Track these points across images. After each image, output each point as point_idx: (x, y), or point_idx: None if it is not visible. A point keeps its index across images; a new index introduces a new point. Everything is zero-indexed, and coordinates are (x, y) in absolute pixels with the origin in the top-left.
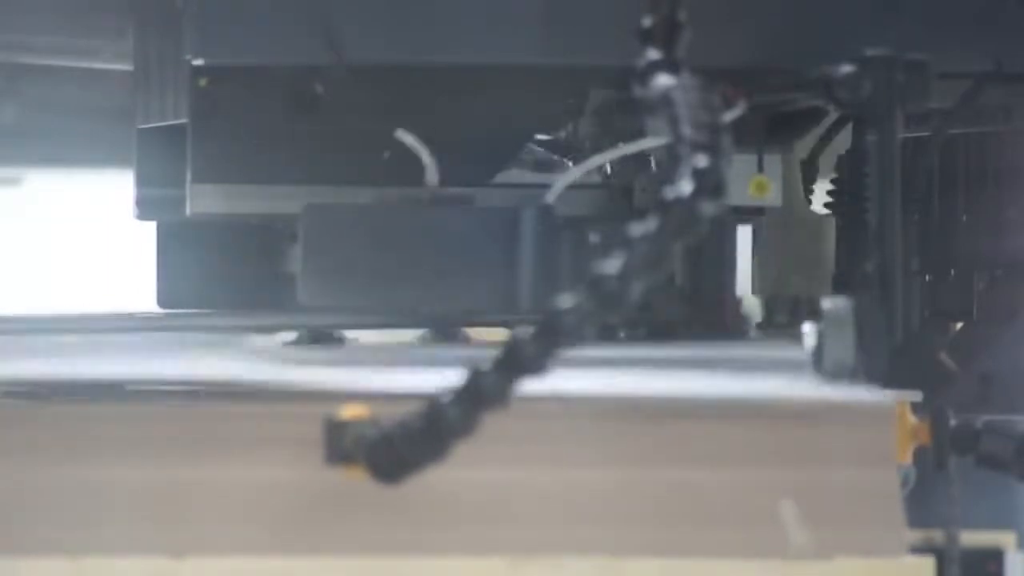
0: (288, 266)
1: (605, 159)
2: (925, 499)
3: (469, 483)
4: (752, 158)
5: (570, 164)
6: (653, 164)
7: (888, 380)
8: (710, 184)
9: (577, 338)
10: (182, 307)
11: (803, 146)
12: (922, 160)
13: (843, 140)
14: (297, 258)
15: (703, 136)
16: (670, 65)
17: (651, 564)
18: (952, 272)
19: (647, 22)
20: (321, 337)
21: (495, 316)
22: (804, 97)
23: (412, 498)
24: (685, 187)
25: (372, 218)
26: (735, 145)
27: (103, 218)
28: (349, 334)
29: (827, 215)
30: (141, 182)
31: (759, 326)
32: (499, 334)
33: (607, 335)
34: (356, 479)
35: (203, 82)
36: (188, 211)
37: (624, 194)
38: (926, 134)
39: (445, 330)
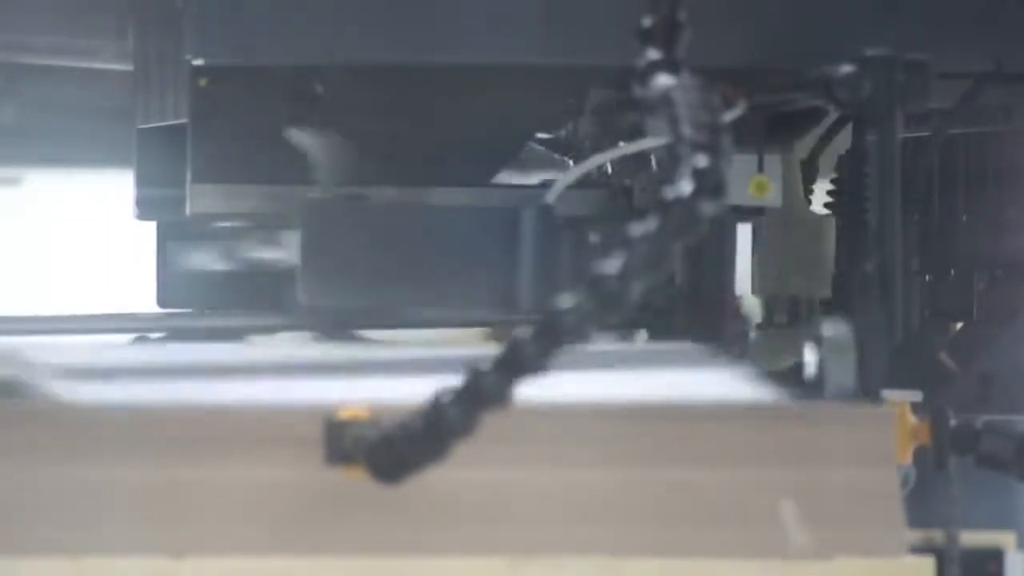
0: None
1: (605, 159)
2: (925, 499)
3: (469, 483)
4: (752, 158)
5: (570, 163)
6: (653, 164)
7: (888, 380)
8: (710, 184)
9: (577, 338)
10: (182, 307)
11: (803, 146)
12: (922, 160)
13: (843, 140)
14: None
15: (703, 136)
16: (670, 65)
17: (651, 564)
18: (952, 272)
19: (647, 22)
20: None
21: (495, 316)
22: (804, 97)
23: (412, 498)
24: (685, 187)
25: (372, 218)
26: (735, 145)
27: (103, 218)
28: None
29: (827, 215)
30: (141, 182)
31: (759, 326)
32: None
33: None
34: (356, 479)
35: (203, 82)
36: (188, 211)
37: (624, 194)
38: (926, 134)
39: (333, 330)
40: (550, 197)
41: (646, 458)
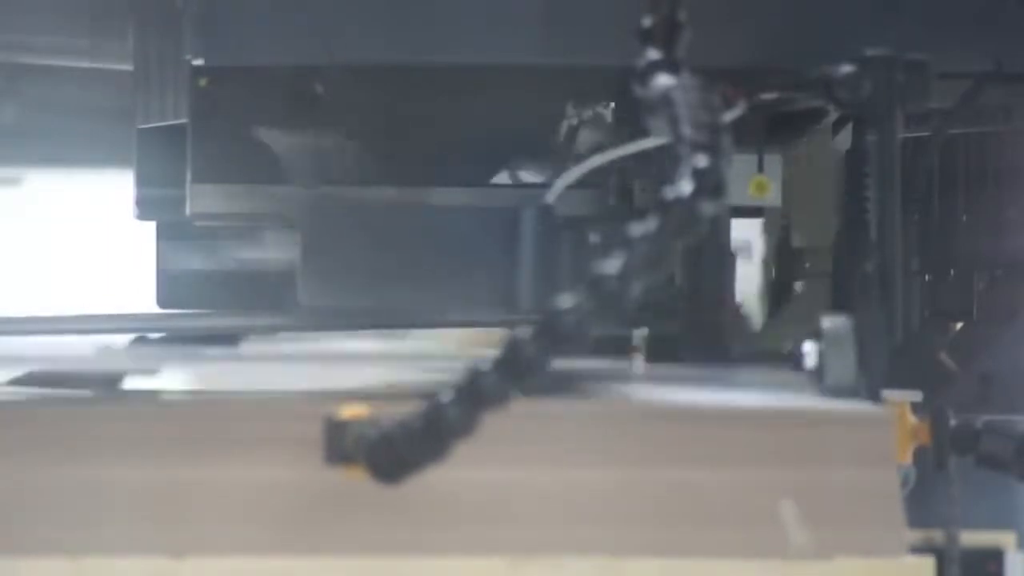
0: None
1: (605, 159)
2: (925, 499)
3: (469, 483)
4: (752, 158)
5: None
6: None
7: (888, 380)
8: (710, 184)
9: (577, 338)
10: (182, 307)
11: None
12: (922, 160)
13: (843, 140)
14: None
15: (703, 136)
16: (670, 65)
17: (651, 564)
18: (952, 272)
19: (647, 22)
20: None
21: (495, 316)
22: (804, 97)
23: (412, 498)
24: (685, 187)
25: (372, 218)
26: (735, 145)
27: (103, 218)
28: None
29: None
30: (141, 182)
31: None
32: None
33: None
34: (356, 479)
35: (203, 82)
36: (188, 211)
37: (624, 194)
38: (926, 134)
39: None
40: (550, 197)
41: (646, 458)
